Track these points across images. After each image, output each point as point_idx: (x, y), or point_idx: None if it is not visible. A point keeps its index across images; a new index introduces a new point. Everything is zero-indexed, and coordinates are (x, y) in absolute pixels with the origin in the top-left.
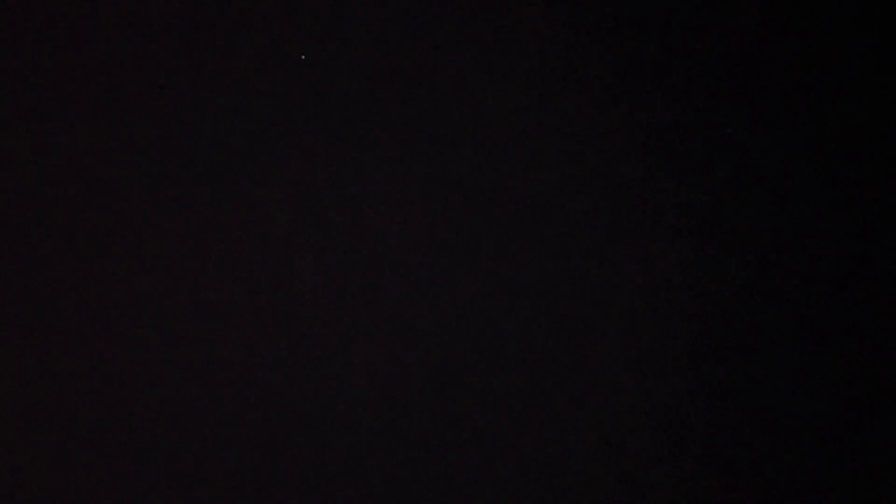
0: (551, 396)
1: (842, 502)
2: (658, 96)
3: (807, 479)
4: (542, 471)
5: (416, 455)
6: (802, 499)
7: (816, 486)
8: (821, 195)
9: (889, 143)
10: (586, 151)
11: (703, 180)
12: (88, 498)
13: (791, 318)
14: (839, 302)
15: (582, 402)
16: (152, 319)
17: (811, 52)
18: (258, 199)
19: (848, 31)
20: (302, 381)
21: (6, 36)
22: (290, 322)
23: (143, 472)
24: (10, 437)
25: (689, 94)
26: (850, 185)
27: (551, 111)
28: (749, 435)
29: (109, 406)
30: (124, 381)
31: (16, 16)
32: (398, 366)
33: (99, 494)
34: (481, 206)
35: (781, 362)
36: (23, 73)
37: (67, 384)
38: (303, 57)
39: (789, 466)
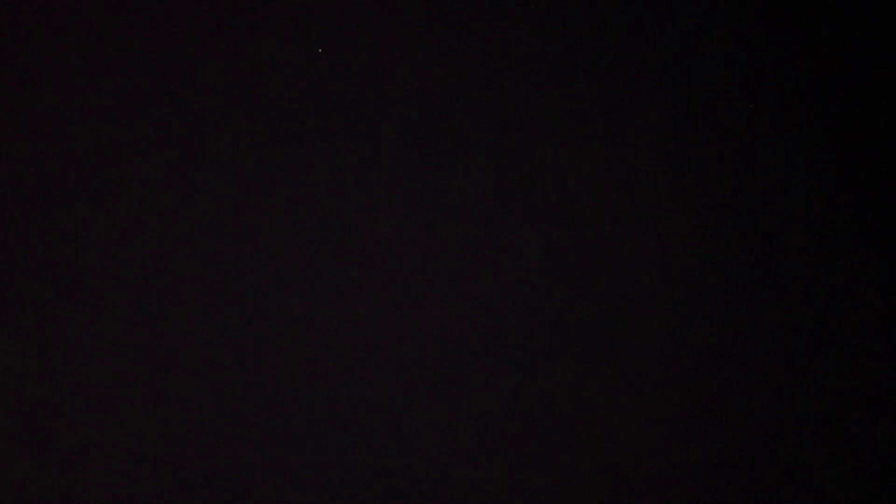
0: (555, 396)
1: (842, 502)
2: (662, 95)
3: (809, 481)
4: (542, 472)
5: (414, 456)
6: (803, 499)
7: (817, 487)
8: (827, 195)
9: (890, 143)
10: (590, 147)
11: (709, 180)
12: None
13: (794, 318)
14: (842, 303)
15: (585, 403)
16: (152, 319)
17: (813, 51)
18: (266, 200)
19: (850, 31)
20: (301, 383)
21: (13, 39)
22: (293, 320)
23: (138, 472)
24: (9, 437)
25: (694, 92)
26: (854, 186)
27: (551, 108)
28: (753, 438)
29: (104, 405)
30: (119, 380)
31: (26, 19)
32: (400, 368)
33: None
34: (485, 205)
35: (784, 364)
36: (31, 78)
37: (61, 384)
38: (320, 50)
39: (791, 468)
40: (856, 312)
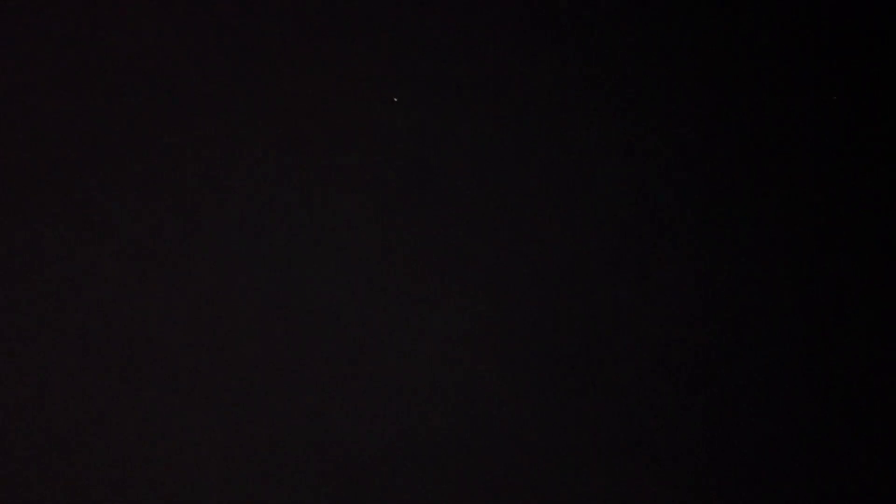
0: (558, 401)
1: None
2: (662, 99)
3: (810, 481)
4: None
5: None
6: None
7: (819, 488)
8: (826, 198)
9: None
10: (590, 153)
11: (710, 184)
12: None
13: (793, 321)
14: (843, 304)
15: (589, 406)
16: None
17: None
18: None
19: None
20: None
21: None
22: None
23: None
24: (9, 437)
25: (694, 97)
26: (854, 186)
27: (550, 115)
28: (754, 439)
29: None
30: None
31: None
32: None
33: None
34: (486, 211)
35: (784, 365)
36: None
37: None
38: (395, 99)
39: (792, 469)
40: (857, 315)
